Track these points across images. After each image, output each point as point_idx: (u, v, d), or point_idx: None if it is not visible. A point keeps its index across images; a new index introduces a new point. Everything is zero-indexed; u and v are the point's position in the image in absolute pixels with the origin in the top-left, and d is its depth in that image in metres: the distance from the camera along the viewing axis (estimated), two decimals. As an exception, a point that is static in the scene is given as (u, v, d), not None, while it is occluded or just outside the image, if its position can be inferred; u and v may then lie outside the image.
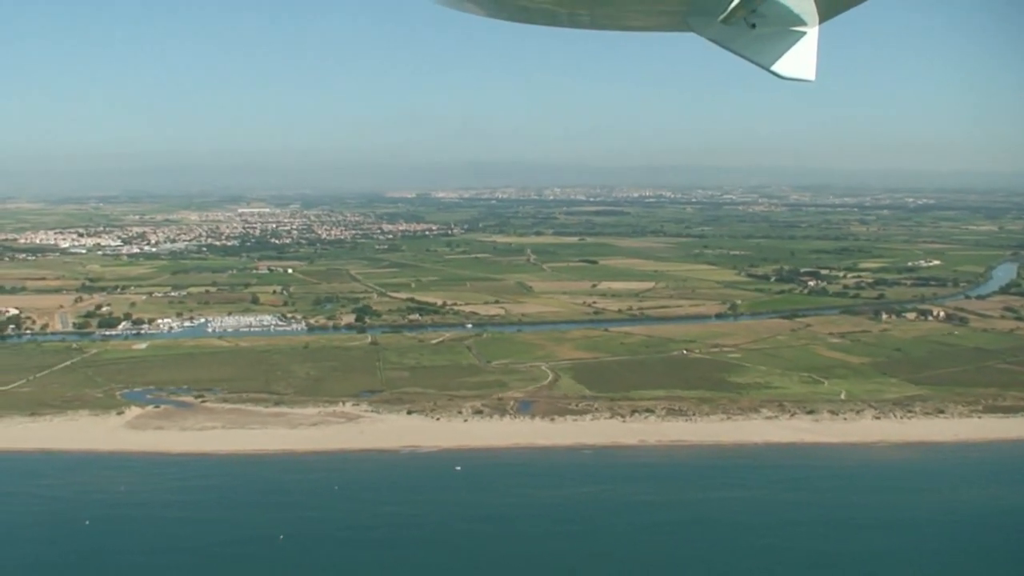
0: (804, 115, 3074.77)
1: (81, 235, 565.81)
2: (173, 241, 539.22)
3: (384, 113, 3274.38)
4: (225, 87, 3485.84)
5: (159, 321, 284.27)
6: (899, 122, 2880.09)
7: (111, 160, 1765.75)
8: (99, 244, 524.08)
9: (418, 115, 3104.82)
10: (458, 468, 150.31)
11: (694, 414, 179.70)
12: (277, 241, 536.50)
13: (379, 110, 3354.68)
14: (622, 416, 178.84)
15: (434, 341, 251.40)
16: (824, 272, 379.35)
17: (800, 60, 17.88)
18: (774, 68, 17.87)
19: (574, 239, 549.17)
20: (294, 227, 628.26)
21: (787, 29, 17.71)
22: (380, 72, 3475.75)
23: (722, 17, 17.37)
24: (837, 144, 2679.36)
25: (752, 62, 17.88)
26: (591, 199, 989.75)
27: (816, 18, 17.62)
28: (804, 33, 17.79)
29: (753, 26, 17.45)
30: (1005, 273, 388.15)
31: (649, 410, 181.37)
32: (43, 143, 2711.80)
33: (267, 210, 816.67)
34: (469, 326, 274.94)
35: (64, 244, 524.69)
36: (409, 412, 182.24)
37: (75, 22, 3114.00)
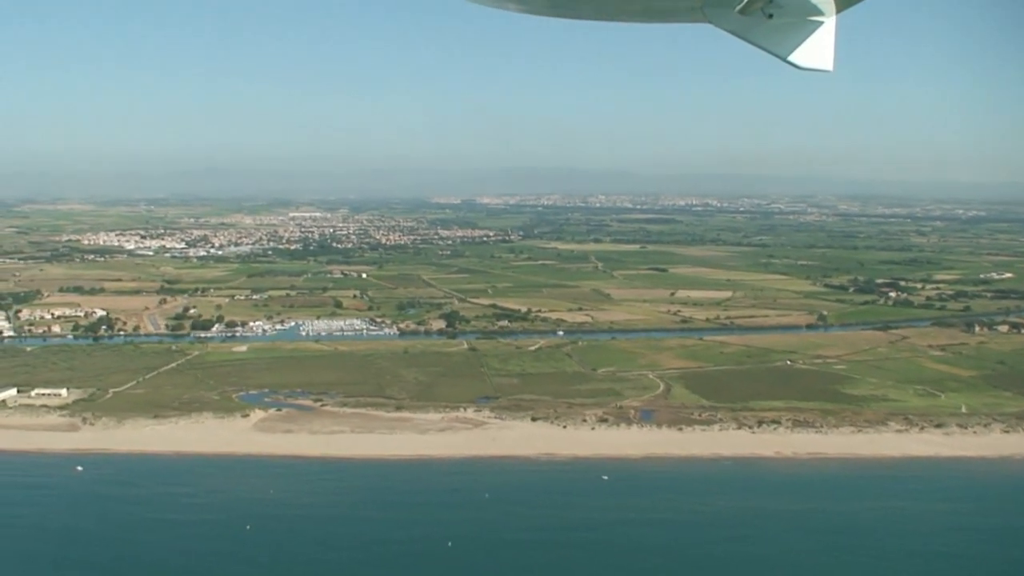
0: (847, 126, 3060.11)
1: (143, 237, 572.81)
2: (237, 244, 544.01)
3: (426, 119, 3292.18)
4: (266, 93, 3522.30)
5: (251, 324, 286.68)
6: (943, 134, 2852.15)
7: (155, 163, 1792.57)
8: (164, 246, 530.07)
9: (460, 121, 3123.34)
10: (605, 477, 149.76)
11: (822, 426, 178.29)
12: (339, 245, 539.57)
13: (421, 116, 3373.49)
14: (749, 427, 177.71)
15: (532, 348, 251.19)
16: (901, 284, 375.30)
17: (818, 50, 17.83)
18: (791, 58, 17.81)
19: (634, 247, 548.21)
20: (351, 232, 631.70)
21: (804, 19, 17.68)
22: (422, 78, 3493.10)
23: (739, 7, 17.35)
24: (882, 155, 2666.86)
25: (769, 52, 17.80)
26: (638, 207, 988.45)
27: (833, 8, 17.58)
28: (822, 23, 17.73)
29: (770, 16, 17.43)
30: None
31: (775, 421, 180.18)
32: (89, 146, 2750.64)
33: (318, 214, 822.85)
34: (560, 333, 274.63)
35: (129, 246, 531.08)
36: (533, 419, 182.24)
37: (117, 27, 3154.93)
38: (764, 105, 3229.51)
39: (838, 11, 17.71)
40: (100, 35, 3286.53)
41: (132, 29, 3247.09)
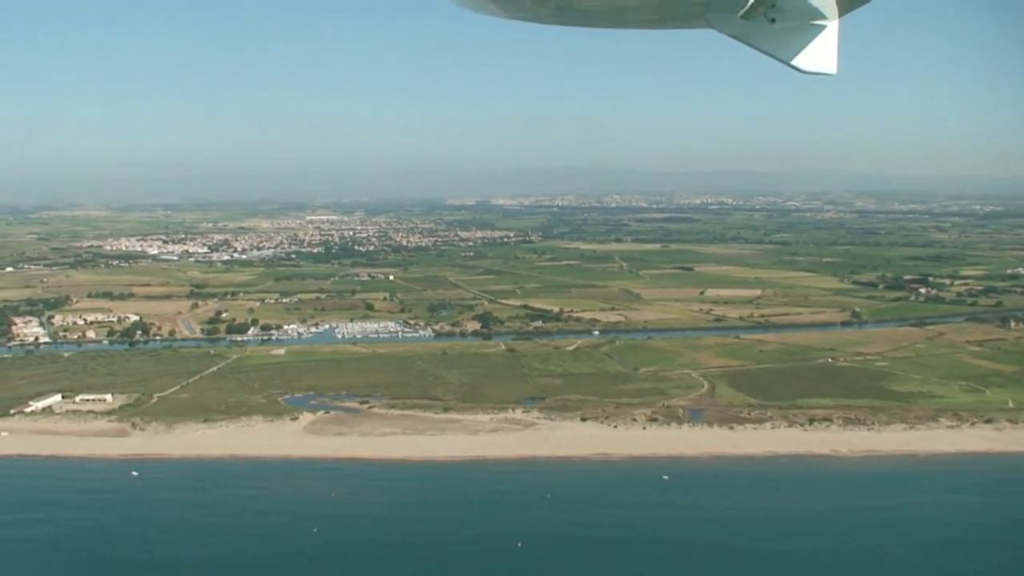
0: (858, 123, 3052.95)
1: (165, 242, 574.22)
2: (259, 248, 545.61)
3: (438, 122, 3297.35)
4: (273, 96, 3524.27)
5: (286, 327, 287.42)
6: (954, 129, 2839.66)
7: (166, 168, 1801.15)
8: (187, 251, 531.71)
9: (472, 124, 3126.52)
10: (665, 477, 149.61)
11: (873, 423, 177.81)
12: (361, 248, 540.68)
13: (434, 119, 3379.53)
14: (801, 425, 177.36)
15: (569, 348, 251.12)
16: (930, 279, 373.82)
17: (821, 54, 17.83)
18: (795, 62, 17.81)
19: (656, 246, 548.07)
20: (371, 234, 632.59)
21: (807, 23, 17.67)
22: (433, 82, 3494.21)
23: (742, 13, 17.37)
24: (893, 151, 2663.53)
25: (772, 57, 17.79)
26: (654, 206, 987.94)
27: (836, 11, 17.56)
28: (824, 27, 17.72)
29: (773, 21, 17.40)
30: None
31: (827, 419, 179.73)
32: (100, 152, 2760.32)
33: (335, 217, 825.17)
34: (596, 333, 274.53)
35: (152, 251, 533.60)
36: (583, 419, 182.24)
37: (124, 33, 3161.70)
38: (774, 103, 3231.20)
39: (840, 15, 17.76)
40: (107, 41, 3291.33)
41: (140, 34, 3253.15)
